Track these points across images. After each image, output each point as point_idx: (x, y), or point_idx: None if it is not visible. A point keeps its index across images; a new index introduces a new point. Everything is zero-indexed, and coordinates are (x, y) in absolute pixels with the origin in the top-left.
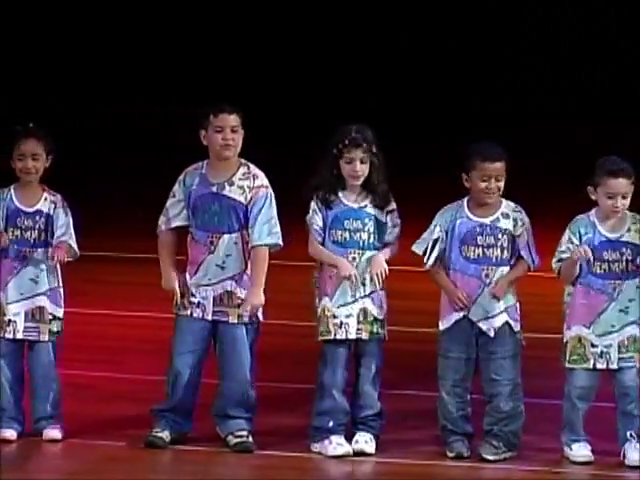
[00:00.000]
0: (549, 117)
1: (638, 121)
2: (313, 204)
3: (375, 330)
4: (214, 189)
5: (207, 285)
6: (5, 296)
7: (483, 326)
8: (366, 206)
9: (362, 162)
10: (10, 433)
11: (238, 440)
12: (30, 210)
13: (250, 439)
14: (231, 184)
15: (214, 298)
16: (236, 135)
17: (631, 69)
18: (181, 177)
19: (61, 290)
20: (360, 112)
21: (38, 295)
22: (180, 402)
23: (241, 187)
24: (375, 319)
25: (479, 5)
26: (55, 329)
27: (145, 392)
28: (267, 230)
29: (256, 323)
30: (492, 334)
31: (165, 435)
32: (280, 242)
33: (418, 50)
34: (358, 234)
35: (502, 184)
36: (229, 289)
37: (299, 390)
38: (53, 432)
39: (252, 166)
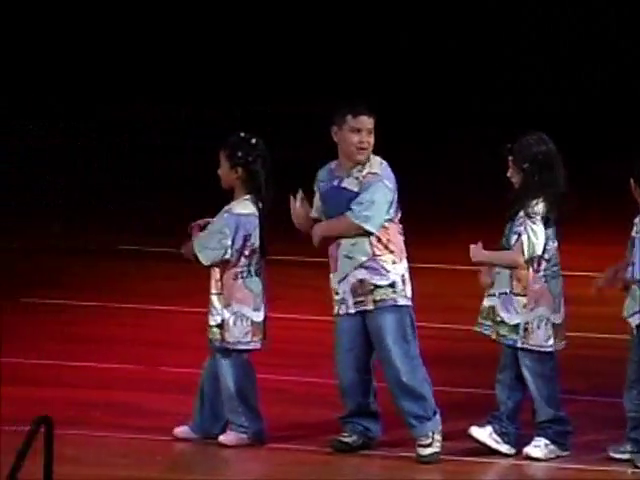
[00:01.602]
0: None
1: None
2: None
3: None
4: (335, 183)
5: (343, 279)
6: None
7: None
8: None
9: None
10: (179, 430)
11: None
12: None
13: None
14: (349, 176)
15: (351, 290)
16: (371, 138)
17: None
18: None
19: (215, 297)
20: None
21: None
22: (356, 406)
23: (357, 178)
24: (502, 321)
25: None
26: (211, 336)
27: (338, 396)
28: (360, 209)
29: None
30: None
31: (352, 440)
32: (368, 228)
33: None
34: None
35: None
36: (361, 277)
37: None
38: (222, 437)
39: (373, 158)
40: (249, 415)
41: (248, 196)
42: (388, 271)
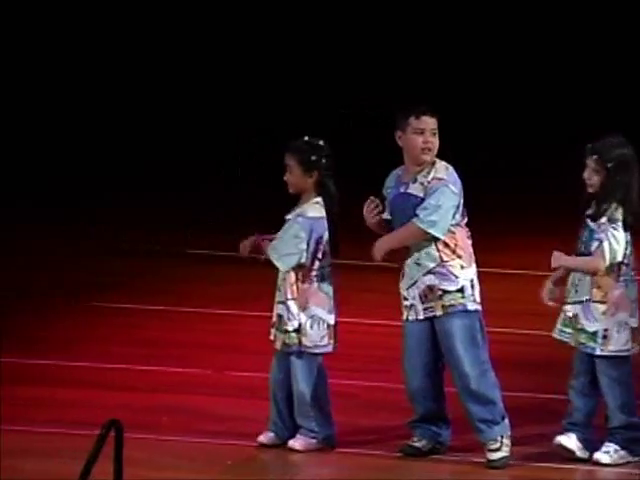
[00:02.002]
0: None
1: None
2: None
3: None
4: (402, 189)
5: (412, 285)
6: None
7: None
8: None
9: None
10: (264, 437)
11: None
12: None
13: (506, 451)
14: (414, 181)
15: (420, 296)
16: (435, 139)
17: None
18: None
19: (291, 302)
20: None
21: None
22: (425, 410)
23: (422, 183)
24: (582, 328)
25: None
26: (287, 341)
27: (408, 402)
28: (425, 214)
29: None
30: None
31: (422, 445)
32: (434, 233)
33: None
34: None
35: None
36: (429, 283)
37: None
38: (293, 442)
39: (439, 162)
40: (320, 420)
41: (318, 199)
42: (457, 276)
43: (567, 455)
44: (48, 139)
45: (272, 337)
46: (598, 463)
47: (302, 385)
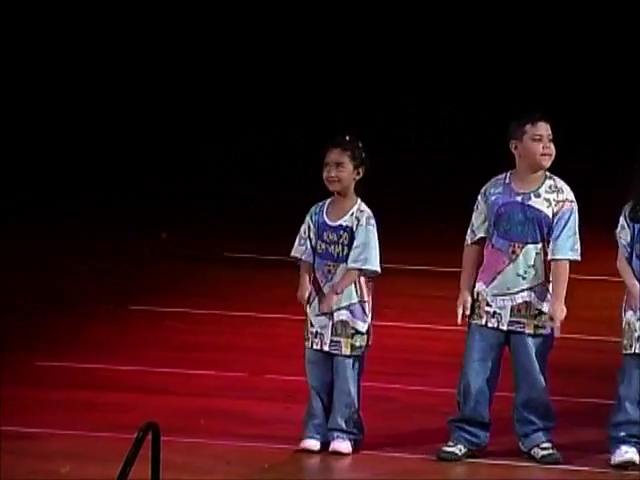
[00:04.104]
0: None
1: None
2: (622, 219)
3: None
4: (519, 199)
5: (505, 295)
6: (312, 309)
7: None
8: None
9: None
10: (313, 443)
11: (545, 452)
12: (334, 224)
13: (556, 451)
14: (537, 195)
15: (512, 308)
16: (552, 145)
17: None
18: (483, 189)
19: (366, 304)
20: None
21: (340, 309)
22: (472, 412)
23: (547, 200)
24: None
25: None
26: (358, 344)
27: (446, 405)
28: (570, 244)
29: (550, 335)
30: None
31: (458, 449)
32: (579, 258)
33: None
34: None
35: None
36: (528, 299)
37: (598, 405)
38: (340, 445)
39: (558, 179)
40: (359, 422)
41: (359, 198)
42: (548, 300)
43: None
44: (77, 142)
45: (326, 345)
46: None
47: (352, 388)
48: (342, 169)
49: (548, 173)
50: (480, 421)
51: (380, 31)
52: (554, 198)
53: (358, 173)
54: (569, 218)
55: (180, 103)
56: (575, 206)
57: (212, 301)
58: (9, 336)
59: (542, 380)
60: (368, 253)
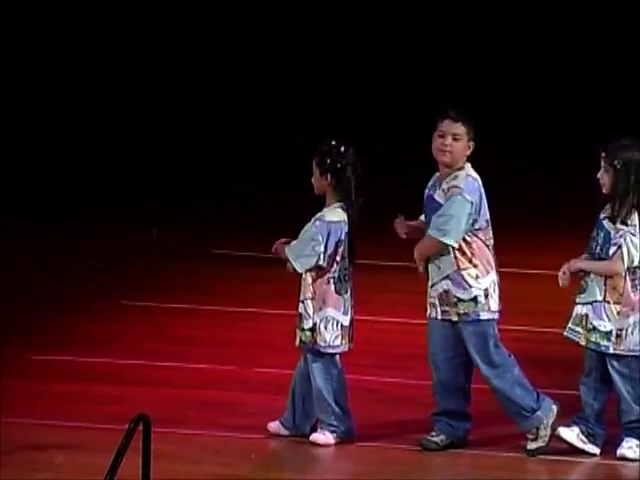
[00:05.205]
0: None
1: None
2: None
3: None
4: (432, 192)
5: (432, 285)
6: None
7: None
8: None
9: None
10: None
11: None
12: None
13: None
14: (439, 187)
15: (438, 297)
16: (457, 143)
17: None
18: None
19: (309, 302)
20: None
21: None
22: (447, 404)
23: (443, 190)
24: (594, 328)
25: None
26: (304, 338)
27: (429, 397)
28: (438, 223)
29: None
30: None
31: (440, 439)
32: (446, 241)
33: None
34: None
35: None
36: (446, 288)
37: (570, 396)
38: (317, 436)
39: (465, 171)
40: (339, 415)
41: (339, 203)
42: (470, 286)
43: (567, 448)
44: (69, 142)
45: (295, 334)
46: (624, 458)
47: (319, 381)
48: (313, 175)
49: (467, 167)
50: (458, 412)
51: (380, 31)
52: (447, 187)
53: (326, 179)
54: (448, 201)
55: (180, 103)
56: (461, 193)
57: (203, 297)
58: (7, 331)
59: (483, 362)
60: (298, 251)
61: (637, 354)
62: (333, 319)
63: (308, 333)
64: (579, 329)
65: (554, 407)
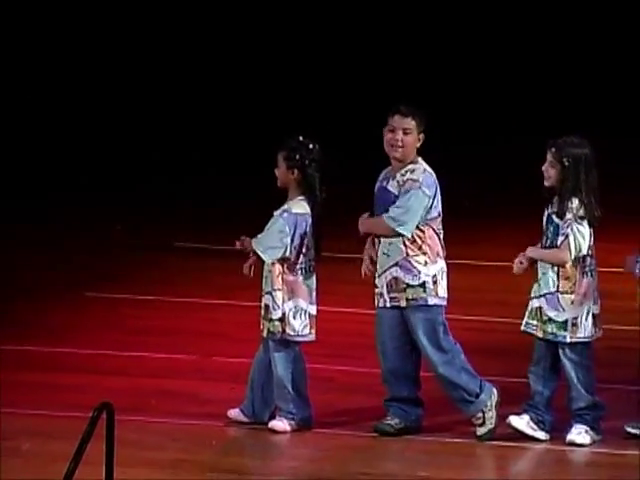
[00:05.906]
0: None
1: None
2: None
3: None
4: (384, 183)
5: (381, 274)
6: None
7: None
8: None
9: None
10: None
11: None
12: None
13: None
14: (393, 178)
15: (386, 285)
16: (407, 137)
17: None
18: None
19: (277, 292)
20: None
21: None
22: (398, 391)
23: (398, 181)
24: (549, 319)
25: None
26: (272, 329)
27: (382, 385)
28: (392, 212)
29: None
30: None
31: (394, 422)
32: (402, 231)
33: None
34: None
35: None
36: (395, 275)
37: (525, 384)
38: (275, 423)
39: (420, 164)
40: (298, 402)
41: (302, 197)
42: (419, 272)
43: (517, 435)
44: (42, 136)
45: (261, 325)
46: (573, 444)
47: (280, 370)
48: (277, 167)
49: (420, 160)
50: (409, 399)
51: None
52: (403, 179)
53: (293, 173)
54: (406, 194)
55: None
56: (419, 187)
57: (164, 288)
58: None
59: (432, 348)
60: (265, 242)
61: (589, 340)
62: (302, 309)
63: (277, 323)
64: (535, 322)
65: (494, 390)
